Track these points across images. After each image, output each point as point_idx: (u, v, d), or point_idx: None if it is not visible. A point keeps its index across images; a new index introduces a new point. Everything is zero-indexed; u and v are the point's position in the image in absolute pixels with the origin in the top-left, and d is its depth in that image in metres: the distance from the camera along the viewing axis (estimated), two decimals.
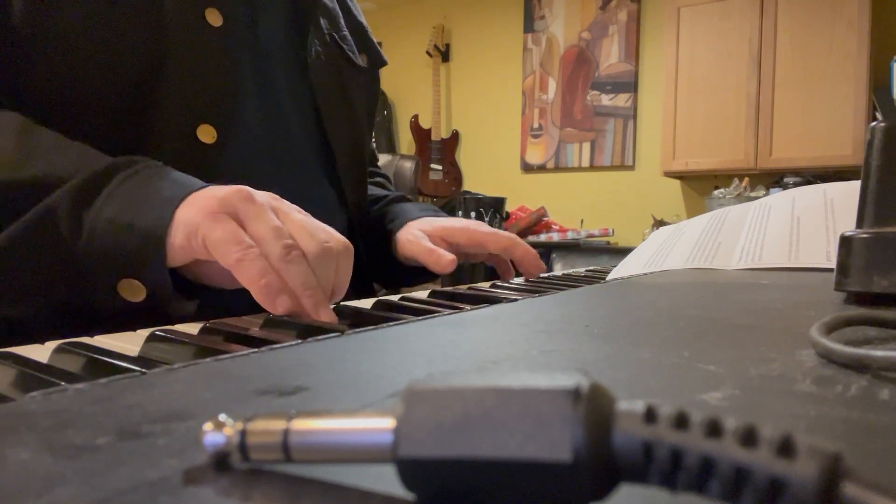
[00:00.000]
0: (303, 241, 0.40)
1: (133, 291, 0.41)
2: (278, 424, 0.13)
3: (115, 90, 0.51)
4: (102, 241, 0.40)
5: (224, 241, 0.38)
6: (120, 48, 0.50)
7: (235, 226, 0.39)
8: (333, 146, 0.67)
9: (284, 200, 0.43)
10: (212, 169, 0.54)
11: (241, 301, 0.41)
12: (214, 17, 0.56)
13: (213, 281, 0.44)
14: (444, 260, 0.63)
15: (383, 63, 0.78)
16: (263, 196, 0.41)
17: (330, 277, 0.41)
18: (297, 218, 0.41)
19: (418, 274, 0.72)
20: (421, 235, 0.68)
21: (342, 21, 0.72)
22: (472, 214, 3.00)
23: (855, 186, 0.44)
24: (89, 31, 0.49)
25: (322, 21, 0.67)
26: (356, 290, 0.72)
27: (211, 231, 0.38)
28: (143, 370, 0.23)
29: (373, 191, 0.83)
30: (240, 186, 0.41)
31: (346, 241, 0.43)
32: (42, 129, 0.46)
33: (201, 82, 0.55)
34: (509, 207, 3.33)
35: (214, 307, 0.44)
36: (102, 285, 0.41)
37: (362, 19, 0.77)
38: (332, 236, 0.42)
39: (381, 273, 0.79)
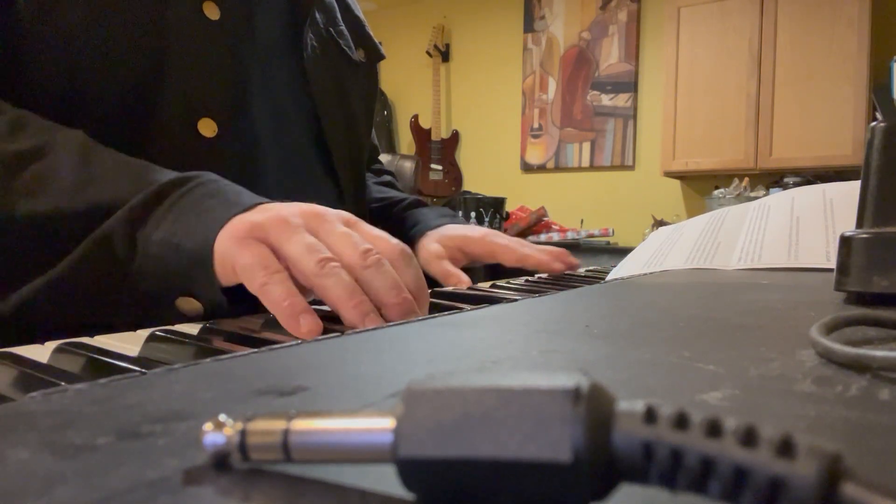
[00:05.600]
0: (345, 252, 0.38)
1: (191, 305, 0.41)
2: (278, 424, 0.13)
3: (115, 85, 0.51)
4: (155, 262, 0.40)
5: (250, 267, 0.36)
6: (120, 43, 0.51)
7: (264, 249, 0.37)
8: (329, 142, 0.67)
9: (330, 213, 0.40)
10: (213, 163, 0.54)
11: None
12: (212, 11, 0.56)
13: None
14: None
15: (381, 57, 0.78)
16: (301, 216, 0.39)
17: (384, 286, 0.37)
18: (341, 230, 0.39)
19: (434, 284, 0.73)
20: (439, 251, 0.70)
21: (339, 16, 0.72)
22: (472, 214, 3.00)
23: (854, 186, 0.44)
24: (90, 27, 0.50)
25: (318, 15, 0.68)
26: None
27: (239, 257, 0.37)
28: (143, 370, 0.23)
29: (386, 192, 0.83)
30: (279, 210, 0.39)
31: (402, 245, 0.41)
32: (102, 151, 0.46)
33: (201, 76, 0.55)
34: (509, 207, 3.33)
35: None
36: (161, 303, 0.41)
37: (359, 13, 0.77)
38: (382, 245, 0.40)
39: None
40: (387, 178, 0.89)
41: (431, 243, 0.71)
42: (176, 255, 0.40)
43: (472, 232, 0.73)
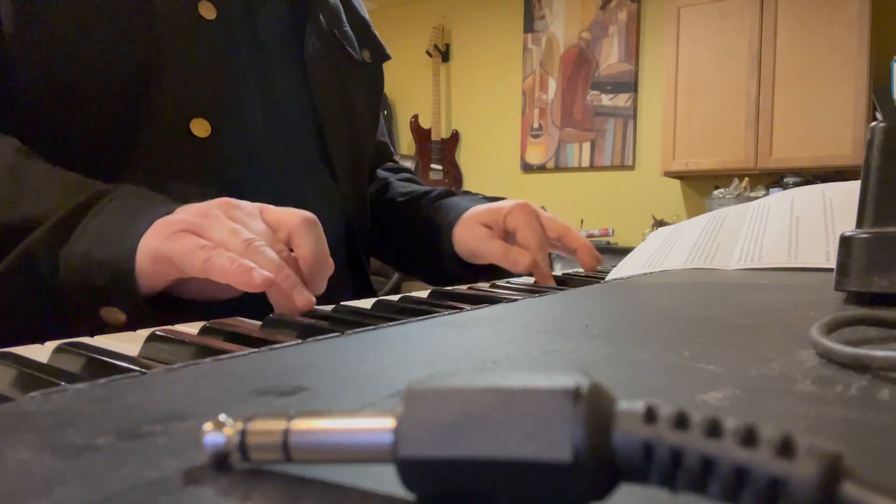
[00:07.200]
0: (265, 239, 0.41)
1: (114, 315, 0.42)
2: (278, 424, 0.13)
3: (107, 86, 0.51)
4: (77, 276, 0.42)
5: (187, 252, 0.38)
6: (112, 44, 0.50)
7: (194, 236, 0.40)
8: (329, 143, 0.67)
9: (243, 205, 0.43)
10: (206, 163, 0.54)
11: (242, 310, 0.42)
12: (208, 10, 0.56)
13: (202, 295, 0.44)
14: (522, 261, 0.62)
15: (386, 57, 0.78)
16: (219, 208, 0.42)
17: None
18: (257, 227, 0.42)
19: (480, 270, 0.70)
20: (486, 232, 0.66)
21: (343, 16, 0.71)
22: None
23: (854, 186, 0.44)
24: (80, 28, 0.49)
25: (321, 16, 0.67)
26: (356, 288, 0.72)
27: (172, 247, 0.39)
28: (143, 370, 0.23)
29: (410, 186, 0.82)
30: (198, 207, 0.42)
31: (306, 214, 0.43)
32: (32, 164, 0.46)
33: (195, 76, 0.55)
34: None
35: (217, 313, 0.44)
36: (84, 313, 0.42)
37: (365, 14, 0.76)
38: (292, 217, 0.43)
39: (431, 271, 0.78)
40: (406, 174, 0.88)
41: (473, 228, 0.68)
42: (97, 268, 0.41)
43: (504, 204, 0.68)
